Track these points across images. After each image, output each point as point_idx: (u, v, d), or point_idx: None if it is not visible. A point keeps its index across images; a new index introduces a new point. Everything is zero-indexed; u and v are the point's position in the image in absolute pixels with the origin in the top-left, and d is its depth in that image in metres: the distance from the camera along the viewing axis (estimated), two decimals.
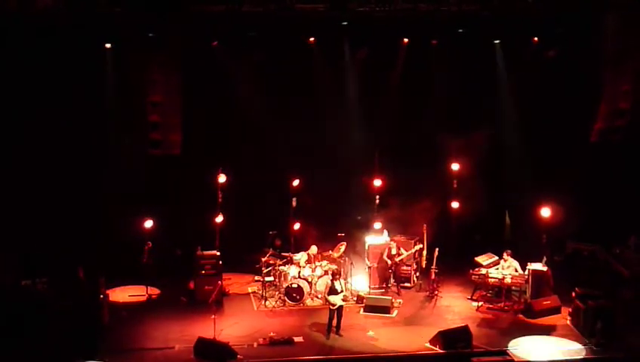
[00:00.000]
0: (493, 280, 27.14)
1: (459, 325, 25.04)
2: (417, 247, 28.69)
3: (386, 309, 26.76)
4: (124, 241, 28.39)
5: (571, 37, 29.31)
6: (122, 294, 28.02)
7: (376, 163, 30.48)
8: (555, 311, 26.62)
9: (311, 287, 27.47)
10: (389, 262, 28.26)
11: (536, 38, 29.95)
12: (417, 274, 29.16)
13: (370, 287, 28.52)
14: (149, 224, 27.81)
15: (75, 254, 27.04)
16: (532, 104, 30.67)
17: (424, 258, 28.77)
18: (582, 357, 23.83)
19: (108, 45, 28.26)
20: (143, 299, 27.77)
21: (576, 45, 29.40)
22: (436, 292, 28.10)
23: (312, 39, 29.77)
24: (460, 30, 29.57)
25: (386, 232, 29.17)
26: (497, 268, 27.51)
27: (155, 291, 28.10)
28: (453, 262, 29.37)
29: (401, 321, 26.39)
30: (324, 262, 27.95)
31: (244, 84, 30.10)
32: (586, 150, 30.55)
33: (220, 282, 26.76)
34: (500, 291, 27.21)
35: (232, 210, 29.15)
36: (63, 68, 27.81)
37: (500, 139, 31.05)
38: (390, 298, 27.28)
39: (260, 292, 27.90)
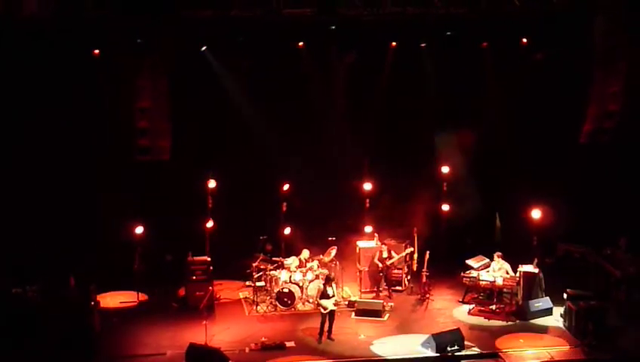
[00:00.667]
0: (484, 282, 27.14)
1: (451, 328, 25.05)
2: (408, 250, 28.67)
3: (377, 313, 26.75)
4: (115, 247, 28.34)
5: (560, 39, 29.29)
6: (113, 300, 27.95)
7: (366, 166, 30.47)
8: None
9: (302, 292, 27.43)
10: (380, 265, 28.24)
11: (524, 40, 29.91)
12: (408, 277, 29.15)
13: (361, 291, 28.53)
14: (139, 230, 27.74)
15: (65, 261, 26.97)
16: (521, 106, 30.65)
17: (415, 261, 28.73)
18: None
19: (96, 51, 28.09)
20: (134, 304, 27.70)
21: (565, 47, 29.39)
22: (427, 295, 28.08)
23: (300, 44, 29.68)
24: (448, 33, 29.55)
25: (376, 236, 29.16)
26: (488, 271, 27.52)
27: (144, 297, 28.07)
28: (444, 264, 29.36)
29: (392, 325, 26.37)
30: (315, 263, 27.92)
31: (233, 88, 30.03)
32: (575, 152, 30.59)
33: (210, 288, 26.68)
34: (491, 293, 27.22)
35: (223, 215, 29.12)
36: (50, 74, 27.64)
37: (490, 142, 31.00)
38: (382, 301, 27.26)
39: (251, 297, 27.85)
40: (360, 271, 28.75)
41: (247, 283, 28.63)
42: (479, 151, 30.90)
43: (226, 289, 28.96)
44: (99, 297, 26.48)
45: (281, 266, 28.01)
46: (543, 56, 30.00)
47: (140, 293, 27.96)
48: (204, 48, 28.95)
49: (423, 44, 30.20)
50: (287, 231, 29.16)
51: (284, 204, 29.08)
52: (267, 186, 29.76)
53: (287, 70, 29.87)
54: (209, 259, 27.78)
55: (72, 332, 24.05)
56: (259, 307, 27.42)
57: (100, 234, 28.80)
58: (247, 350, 24.40)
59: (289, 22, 28.53)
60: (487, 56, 30.40)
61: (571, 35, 29.29)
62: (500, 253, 27.59)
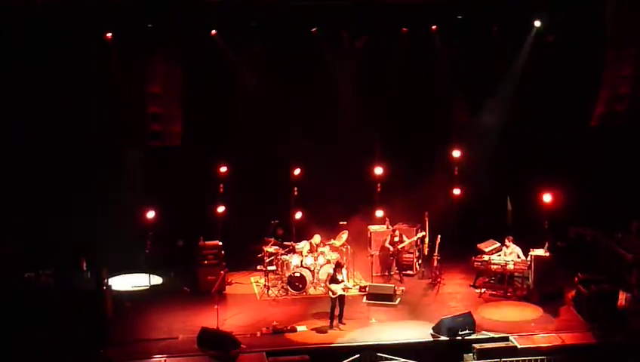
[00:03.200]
0: (495, 266, 27.16)
1: (462, 312, 25.08)
2: (420, 235, 28.70)
3: (388, 297, 26.78)
4: (127, 232, 28.43)
5: (572, 21, 29.20)
6: (125, 284, 28.07)
7: (377, 150, 30.45)
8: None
9: (314, 276, 27.50)
10: (392, 248, 28.28)
11: (537, 23, 29.79)
12: (420, 261, 29.19)
13: (372, 275, 28.57)
14: (151, 215, 27.81)
15: (78, 246, 27.07)
16: (532, 89, 30.57)
17: (426, 245, 28.76)
18: None
19: (109, 35, 28.11)
20: (146, 288, 27.83)
21: (577, 30, 29.30)
22: (439, 279, 28.12)
23: (312, 28, 29.60)
24: (459, 17, 29.48)
25: (387, 220, 29.20)
26: (500, 255, 27.53)
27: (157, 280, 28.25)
28: (455, 249, 29.40)
29: (403, 309, 26.42)
30: (327, 248, 27.98)
31: (244, 73, 30.03)
32: (586, 135, 30.53)
33: (222, 272, 26.74)
34: (502, 277, 27.23)
35: (234, 200, 29.19)
36: (63, 59, 27.69)
37: (501, 125, 30.95)
38: (393, 286, 27.29)
39: (263, 281, 27.92)
40: (371, 256, 28.76)
41: (259, 267, 28.69)
42: (491, 135, 30.86)
43: (237, 275, 29.00)
44: (111, 280, 26.65)
45: (293, 250, 28.08)
46: (554, 39, 29.89)
47: (152, 276, 28.03)
48: (214, 32, 28.89)
49: (434, 27, 30.06)
50: (299, 215, 29.17)
51: (296, 188, 29.09)
52: (278, 171, 29.78)
53: (298, 54, 29.80)
54: (220, 243, 27.87)
55: (84, 316, 24.15)
56: (270, 291, 27.51)
57: (112, 219, 28.83)
58: (258, 334, 24.47)
59: (301, 6, 28.50)
60: (498, 40, 30.25)
61: (583, 18, 29.21)
62: (511, 237, 27.58)
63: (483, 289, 27.27)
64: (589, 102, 30.29)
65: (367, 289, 27.25)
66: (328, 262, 27.46)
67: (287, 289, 27.38)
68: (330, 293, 25.07)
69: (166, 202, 28.78)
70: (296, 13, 28.81)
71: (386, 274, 28.64)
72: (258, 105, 30.21)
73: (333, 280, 25.13)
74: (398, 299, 26.95)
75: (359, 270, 28.71)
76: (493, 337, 24.08)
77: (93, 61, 28.22)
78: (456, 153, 30.48)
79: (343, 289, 25.31)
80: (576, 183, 29.73)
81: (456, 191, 30.69)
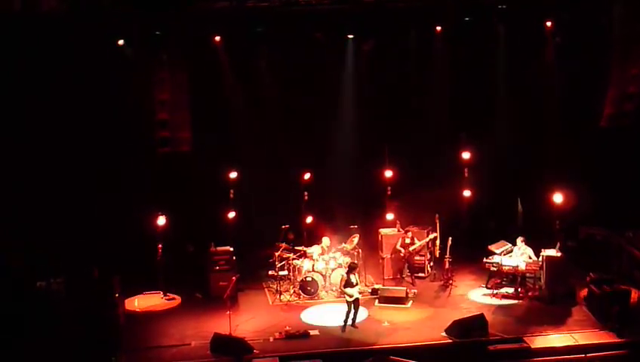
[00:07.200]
0: (507, 267, 27.09)
1: (474, 313, 25.04)
2: (431, 237, 28.66)
3: (400, 300, 26.76)
4: (137, 239, 28.42)
5: (579, 22, 29.20)
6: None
7: (387, 154, 30.44)
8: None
9: (325, 280, 27.48)
10: (403, 251, 28.25)
11: (548, 23, 29.75)
12: (431, 263, 29.16)
13: (384, 278, 28.55)
14: (161, 221, 27.82)
15: (89, 253, 27.08)
16: (541, 90, 30.57)
17: (438, 247, 28.73)
18: None
19: (121, 42, 28.14)
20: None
21: (585, 30, 29.29)
22: (450, 281, 28.07)
23: (318, 34, 29.63)
24: (467, 18, 29.47)
25: (398, 223, 29.18)
26: (511, 256, 27.48)
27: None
28: (466, 250, 29.34)
29: (416, 311, 26.38)
30: (338, 254, 27.96)
31: (252, 78, 30.08)
32: (596, 135, 30.49)
33: (234, 278, 26.72)
34: (514, 278, 27.18)
35: (244, 206, 29.20)
36: (71, 68, 27.74)
37: (510, 126, 30.92)
38: (405, 288, 27.27)
39: (275, 286, 27.94)
40: (383, 259, 28.76)
41: (270, 272, 28.68)
42: (500, 136, 30.85)
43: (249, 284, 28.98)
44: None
45: (304, 255, 28.07)
46: (561, 40, 29.89)
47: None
48: (218, 38, 28.92)
49: (440, 28, 29.99)
50: (309, 219, 29.16)
51: (306, 192, 29.09)
52: (288, 175, 29.77)
53: (305, 58, 29.84)
54: (231, 249, 27.86)
55: (97, 323, 24.16)
56: (282, 296, 27.50)
57: (123, 226, 28.83)
58: (271, 339, 24.46)
59: (307, 12, 28.51)
60: (506, 41, 30.26)
61: (591, 18, 29.20)
62: (522, 238, 27.55)
63: (495, 291, 27.22)
64: (598, 102, 30.21)
65: (379, 292, 27.25)
66: (340, 266, 27.45)
67: (299, 294, 27.37)
68: (347, 297, 25.05)
69: (176, 208, 28.76)
70: (302, 18, 28.80)
71: (398, 276, 28.62)
72: (267, 109, 30.29)
73: (347, 284, 25.09)
74: (410, 302, 26.93)
75: (371, 273, 28.69)
76: (505, 338, 24.05)
77: (101, 70, 28.23)
78: (466, 155, 30.43)
79: (359, 292, 25.30)
80: (587, 183, 29.68)
81: (467, 193, 30.65)
